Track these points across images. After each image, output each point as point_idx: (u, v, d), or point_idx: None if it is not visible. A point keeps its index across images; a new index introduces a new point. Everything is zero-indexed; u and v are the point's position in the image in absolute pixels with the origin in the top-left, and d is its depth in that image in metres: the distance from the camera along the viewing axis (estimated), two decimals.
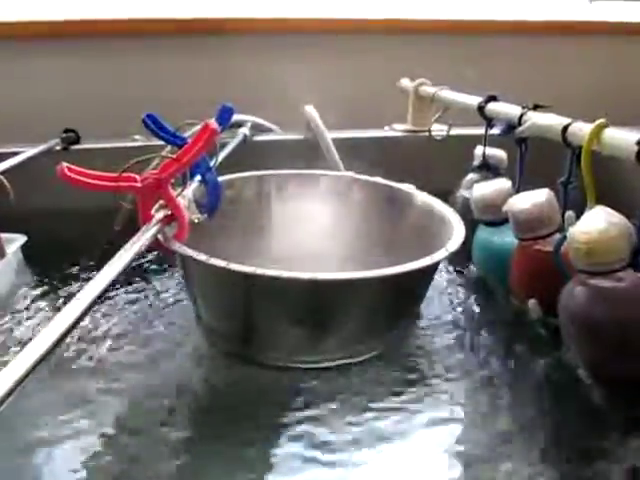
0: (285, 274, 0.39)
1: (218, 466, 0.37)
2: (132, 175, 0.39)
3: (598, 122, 0.43)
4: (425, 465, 0.38)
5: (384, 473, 0.37)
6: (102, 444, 0.38)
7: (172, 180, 0.40)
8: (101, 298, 0.32)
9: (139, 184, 0.38)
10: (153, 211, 0.42)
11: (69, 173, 0.35)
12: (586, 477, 0.37)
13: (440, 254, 0.43)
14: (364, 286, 0.41)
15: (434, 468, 0.38)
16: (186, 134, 0.66)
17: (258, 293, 0.43)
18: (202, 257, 0.40)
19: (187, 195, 0.45)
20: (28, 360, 0.24)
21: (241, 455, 0.38)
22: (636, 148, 0.39)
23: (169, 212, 0.43)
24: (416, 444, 0.39)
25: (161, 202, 0.43)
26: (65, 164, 0.36)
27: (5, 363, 0.24)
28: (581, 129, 0.45)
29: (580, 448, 0.39)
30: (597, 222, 0.40)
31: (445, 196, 0.63)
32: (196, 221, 0.46)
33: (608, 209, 0.40)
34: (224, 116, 0.48)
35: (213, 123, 0.38)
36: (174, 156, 0.38)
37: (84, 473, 0.36)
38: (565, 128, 0.46)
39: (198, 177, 0.50)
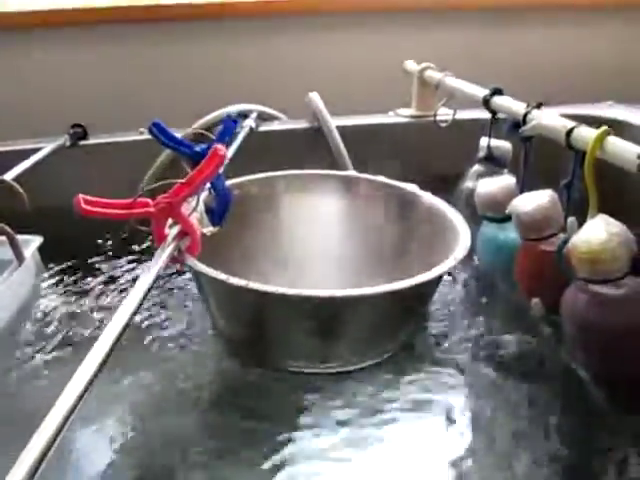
0: (305, 292, 0.40)
1: (235, 461, 0.40)
2: (145, 200, 0.40)
3: (601, 130, 0.43)
4: (435, 460, 0.41)
5: (396, 464, 0.40)
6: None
7: (184, 203, 0.41)
8: (129, 324, 0.33)
9: (152, 209, 0.40)
10: (166, 229, 0.44)
11: (85, 206, 0.37)
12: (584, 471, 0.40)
13: (448, 263, 0.44)
14: (377, 299, 0.43)
15: (444, 461, 0.40)
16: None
17: (277, 309, 0.44)
18: (222, 276, 0.42)
19: (199, 209, 0.46)
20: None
21: (259, 450, 0.41)
22: (638, 162, 0.39)
23: (181, 229, 0.44)
24: (428, 440, 0.42)
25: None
26: (81, 196, 0.37)
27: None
28: (584, 135, 0.45)
29: (578, 443, 0.41)
30: (598, 232, 0.41)
31: (449, 181, 0.64)
32: (208, 234, 0.48)
33: (609, 218, 0.41)
34: (228, 129, 0.49)
35: (222, 149, 0.38)
36: (185, 180, 0.40)
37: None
38: (569, 132, 0.46)
39: (207, 184, 0.51)
